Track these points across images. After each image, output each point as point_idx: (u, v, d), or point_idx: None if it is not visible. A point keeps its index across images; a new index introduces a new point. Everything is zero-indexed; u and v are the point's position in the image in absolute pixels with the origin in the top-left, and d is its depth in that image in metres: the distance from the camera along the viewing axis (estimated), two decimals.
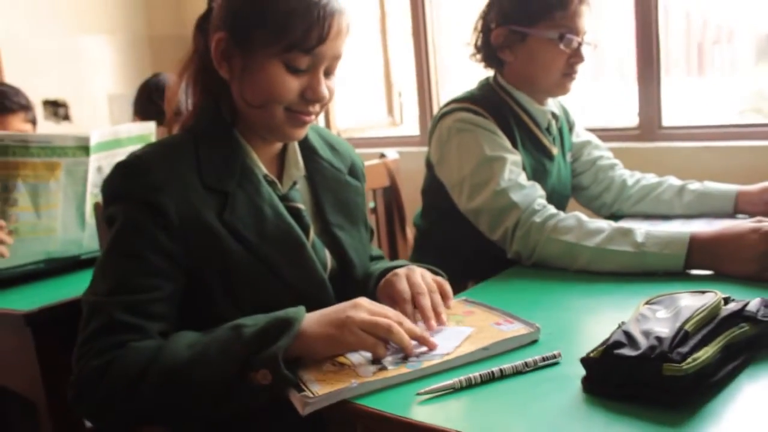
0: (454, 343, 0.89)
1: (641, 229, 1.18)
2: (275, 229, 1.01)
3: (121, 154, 1.66)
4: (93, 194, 1.64)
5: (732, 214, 1.49)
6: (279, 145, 1.10)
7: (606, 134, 2.19)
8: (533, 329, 0.91)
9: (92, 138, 1.59)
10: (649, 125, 2.09)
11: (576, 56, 1.42)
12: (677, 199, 1.54)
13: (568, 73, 1.44)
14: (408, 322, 0.90)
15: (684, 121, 2.18)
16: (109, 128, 1.97)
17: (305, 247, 1.03)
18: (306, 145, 1.13)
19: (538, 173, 1.45)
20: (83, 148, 1.59)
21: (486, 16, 1.48)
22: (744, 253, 1.09)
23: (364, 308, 0.89)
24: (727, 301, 0.83)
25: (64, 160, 1.58)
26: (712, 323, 0.76)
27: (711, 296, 0.81)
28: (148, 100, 2.23)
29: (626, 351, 0.72)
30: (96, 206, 1.30)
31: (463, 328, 0.95)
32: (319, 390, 0.79)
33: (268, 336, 0.84)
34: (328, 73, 1.03)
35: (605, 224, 1.22)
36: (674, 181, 1.57)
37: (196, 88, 1.08)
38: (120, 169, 0.99)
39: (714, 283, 1.08)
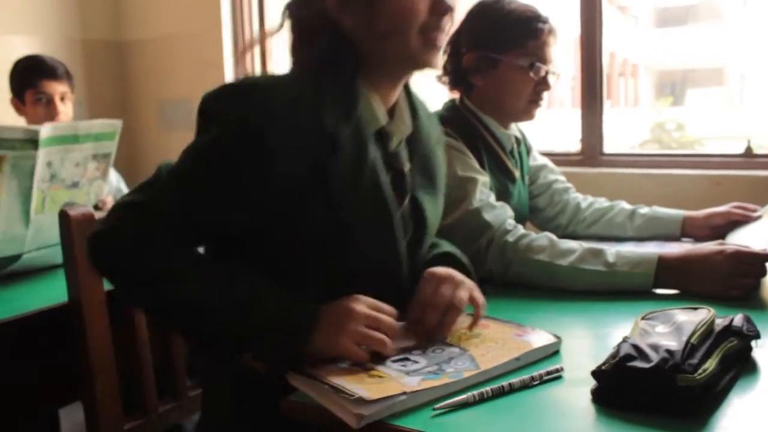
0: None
1: (611, 249, 1.24)
2: (369, 199, 0.98)
3: (77, 150, 1.61)
4: (40, 189, 1.57)
5: (678, 238, 1.59)
6: (397, 95, 1.06)
7: (549, 158, 2.29)
8: (555, 339, 0.94)
9: (43, 132, 1.52)
10: (592, 152, 2.20)
11: (543, 84, 1.49)
12: (629, 223, 1.63)
13: (535, 100, 1.50)
14: (397, 331, 0.93)
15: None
16: (67, 123, 1.90)
17: (393, 222, 1.00)
18: (413, 105, 1.10)
19: (501, 195, 1.50)
20: (31, 141, 1.52)
21: (456, 41, 1.52)
22: (710, 274, 1.16)
23: (360, 313, 0.89)
24: None
25: (9, 153, 1.51)
26: (710, 337, 0.81)
27: (705, 312, 0.86)
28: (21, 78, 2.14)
29: (639, 363, 0.75)
30: (62, 215, 1.24)
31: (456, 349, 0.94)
32: (369, 394, 0.78)
33: (276, 339, 0.87)
34: None
35: (576, 244, 1.27)
36: (625, 205, 1.66)
37: (302, 51, 1.03)
38: (232, 87, 0.96)
39: (679, 301, 1.15)
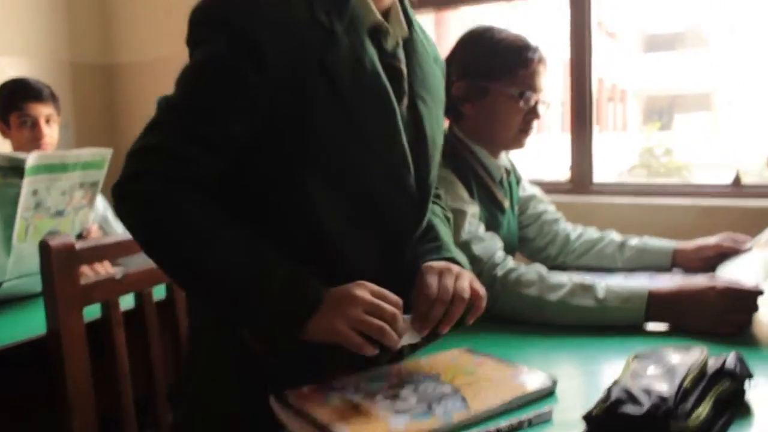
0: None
1: (601, 283, 1.23)
2: (370, 89, 0.98)
3: (65, 179, 1.59)
4: (24, 218, 1.54)
5: (669, 269, 1.57)
6: (388, 1, 1.04)
7: (540, 187, 2.28)
8: (550, 383, 0.92)
9: (29, 160, 1.50)
10: (582, 180, 2.19)
11: (533, 113, 1.48)
12: (619, 254, 1.61)
13: (524, 129, 1.49)
14: (400, 321, 0.90)
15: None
16: (56, 151, 1.87)
17: (396, 115, 1.00)
18: (408, 17, 1.09)
19: (491, 226, 1.48)
20: (16, 169, 1.50)
21: (446, 69, 1.51)
22: (701, 310, 1.14)
23: (362, 299, 0.88)
24: None
25: None
26: (703, 380, 0.79)
27: (698, 353, 0.84)
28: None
29: (631, 409, 0.73)
30: (42, 245, 1.21)
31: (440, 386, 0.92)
32: None
33: (275, 317, 0.88)
34: None
35: (566, 278, 1.26)
36: (615, 236, 1.65)
37: None
38: None
39: (670, 336, 1.13)
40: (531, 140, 1.56)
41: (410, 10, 1.11)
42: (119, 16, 3.19)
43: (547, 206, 1.73)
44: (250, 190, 0.98)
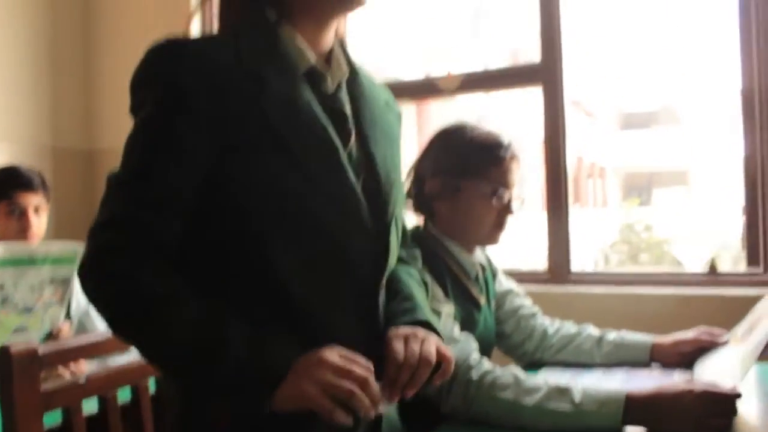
0: None
1: (578, 386, 1.20)
2: (308, 130, 0.97)
3: (33, 274, 1.55)
4: None
5: (648, 364, 1.55)
6: (329, 43, 1.06)
7: (517, 277, 2.28)
8: None
9: None
10: (559, 270, 2.19)
11: (507, 210, 1.49)
12: (597, 349, 1.59)
13: (499, 225, 1.50)
14: (373, 385, 0.87)
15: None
16: (23, 244, 1.84)
17: (338, 152, 0.99)
18: (349, 60, 1.09)
19: (466, 323, 1.46)
20: None
21: (419, 166, 1.53)
22: (680, 413, 1.12)
23: (330, 363, 0.86)
24: None
25: None
26: None
27: None
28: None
29: None
30: (2, 350, 1.17)
31: None
32: None
33: (243, 386, 0.86)
34: None
35: (541, 381, 1.23)
36: (593, 330, 1.63)
37: (229, 6, 1.05)
38: (149, 53, 0.95)
39: None
40: (507, 232, 1.56)
41: (351, 55, 1.12)
42: (101, 101, 3.23)
43: (524, 300, 1.71)
44: (209, 247, 0.97)
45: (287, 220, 0.95)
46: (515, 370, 1.27)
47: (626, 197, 17.80)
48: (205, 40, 1.02)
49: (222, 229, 0.95)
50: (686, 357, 1.52)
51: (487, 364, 1.30)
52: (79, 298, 2.07)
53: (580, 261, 12.68)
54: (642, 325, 1.64)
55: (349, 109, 1.06)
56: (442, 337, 1.06)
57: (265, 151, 0.94)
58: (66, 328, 1.75)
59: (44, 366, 1.21)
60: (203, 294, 0.92)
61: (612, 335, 1.61)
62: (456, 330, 1.35)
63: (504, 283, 1.72)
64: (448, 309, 1.37)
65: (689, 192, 18.62)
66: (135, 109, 0.97)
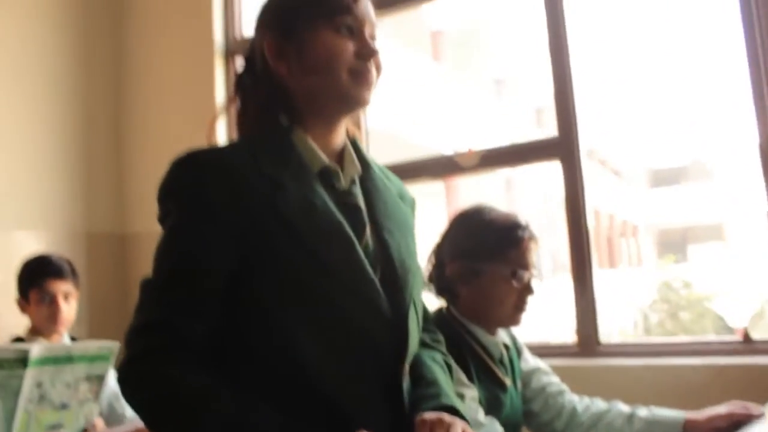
0: None
1: None
2: (325, 226, 1.02)
3: (70, 372, 1.60)
4: (26, 410, 1.53)
5: None
6: (340, 142, 1.12)
7: (545, 351, 2.26)
8: None
9: (34, 351, 1.51)
10: (588, 342, 2.17)
11: (527, 290, 1.50)
12: (627, 427, 1.57)
13: (519, 306, 1.52)
14: None
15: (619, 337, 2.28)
16: (62, 344, 1.90)
17: (355, 245, 1.04)
18: (361, 156, 1.15)
19: (493, 405, 1.46)
20: (21, 360, 1.51)
21: (439, 250, 1.56)
22: None
23: None
24: None
25: None
26: None
27: None
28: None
29: None
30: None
31: None
32: None
33: None
34: (372, 39, 1.09)
35: None
36: (622, 407, 1.61)
37: (246, 114, 1.13)
38: (172, 165, 1.03)
39: None
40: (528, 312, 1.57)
41: (362, 150, 1.17)
42: (134, 185, 3.32)
43: (551, 378, 1.70)
44: (241, 345, 1.01)
45: (310, 314, 0.99)
46: None
47: (661, 255, 17.54)
48: (225, 148, 1.08)
49: (250, 326, 1.00)
50: None
51: None
52: (109, 381, 2.12)
53: (617, 322, 12.49)
54: (675, 397, 1.61)
55: (363, 202, 1.12)
56: (468, 421, 1.07)
57: (284, 248, 0.99)
58: (100, 424, 1.78)
59: None
60: (242, 389, 0.96)
61: (643, 411, 1.58)
62: (480, 413, 1.35)
63: (530, 360, 1.72)
64: (472, 393, 1.38)
65: (725, 246, 18.29)
66: (162, 219, 1.04)
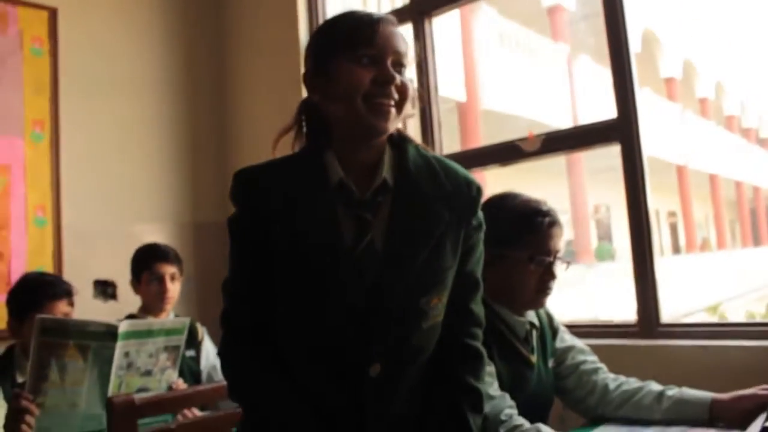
0: None
1: None
2: (316, 237, 1.19)
3: (151, 343, 1.89)
4: (118, 376, 1.83)
5: (707, 420, 1.54)
6: (372, 156, 1.25)
7: (605, 331, 2.30)
8: None
9: (121, 327, 1.82)
10: (648, 323, 2.18)
11: (549, 274, 1.58)
12: (656, 405, 1.60)
13: (542, 290, 1.59)
14: None
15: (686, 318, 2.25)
16: (173, 300, 2.36)
17: (338, 258, 1.18)
18: (402, 165, 1.25)
19: (517, 381, 1.55)
20: (111, 334, 1.81)
21: None
22: None
23: None
24: None
25: (94, 343, 1.80)
26: None
27: None
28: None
29: None
30: (108, 402, 1.46)
31: None
32: None
33: None
34: (397, 67, 1.20)
35: None
36: (654, 386, 1.64)
37: (299, 134, 1.32)
38: (235, 178, 1.26)
39: None
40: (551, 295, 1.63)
41: (410, 161, 1.25)
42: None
43: (587, 356, 1.76)
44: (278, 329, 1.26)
45: (291, 318, 1.23)
46: (542, 427, 1.35)
47: None
48: (266, 166, 1.27)
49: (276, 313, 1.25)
50: (748, 414, 1.49)
51: (516, 420, 1.39)
52: (208, 354, 2.44)
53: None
54: (733, 381, 1.61)
55: (386, 211, 1.22)
56: None
57: (282, 256, 1.21)
58: (181, 383, 2.06)
59: (142, 414, 1.50)
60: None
61: (672, 391, 1.61)
62: (493, 387, 1.45)
63: (567, 339, 1.78)
64: (489, 369, 1.48)
65: None
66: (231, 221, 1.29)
